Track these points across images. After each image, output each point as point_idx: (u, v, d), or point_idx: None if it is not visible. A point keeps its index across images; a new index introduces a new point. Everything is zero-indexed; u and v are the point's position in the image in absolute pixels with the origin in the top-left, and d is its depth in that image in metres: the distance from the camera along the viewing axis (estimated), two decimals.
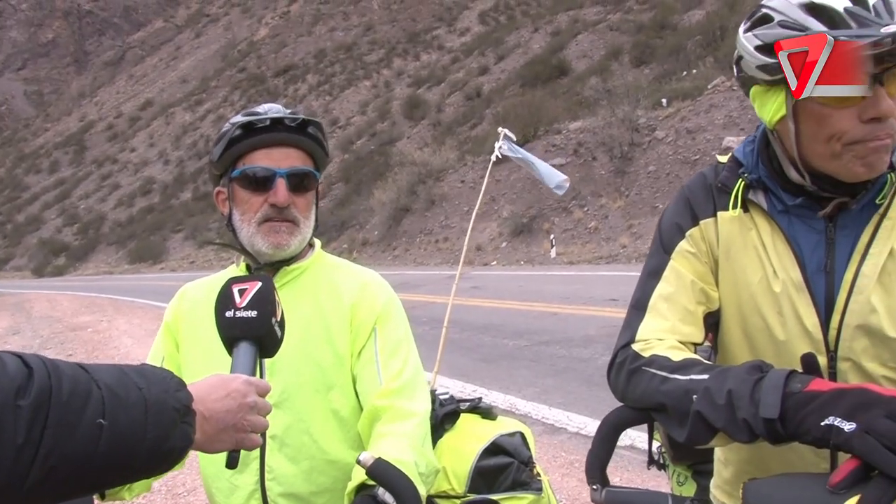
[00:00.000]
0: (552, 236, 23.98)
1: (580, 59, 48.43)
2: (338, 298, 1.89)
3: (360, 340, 1.86)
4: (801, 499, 1.02)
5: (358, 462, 1.42)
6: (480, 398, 2.30)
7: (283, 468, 1.79)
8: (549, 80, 46.15)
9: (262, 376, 1.72)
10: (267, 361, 1.75)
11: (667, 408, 1.26)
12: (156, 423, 1.07)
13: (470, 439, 2.09)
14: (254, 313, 1.41)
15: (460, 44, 76.48)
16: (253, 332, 1.41)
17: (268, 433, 1.76)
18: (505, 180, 28.43)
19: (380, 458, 1.43)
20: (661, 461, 2.37)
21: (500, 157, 6.39)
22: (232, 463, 1.31)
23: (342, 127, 69.20)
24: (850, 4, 1.27)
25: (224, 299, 1.44)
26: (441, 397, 2.20)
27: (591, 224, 24.20)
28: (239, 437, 1.27)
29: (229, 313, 1.42)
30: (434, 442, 2.05)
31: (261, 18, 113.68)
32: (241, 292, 1.44)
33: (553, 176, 6.70)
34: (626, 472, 4.99)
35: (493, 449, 2.06)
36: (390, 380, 1.80)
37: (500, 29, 71.10)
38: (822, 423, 1.01)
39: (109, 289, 32.53)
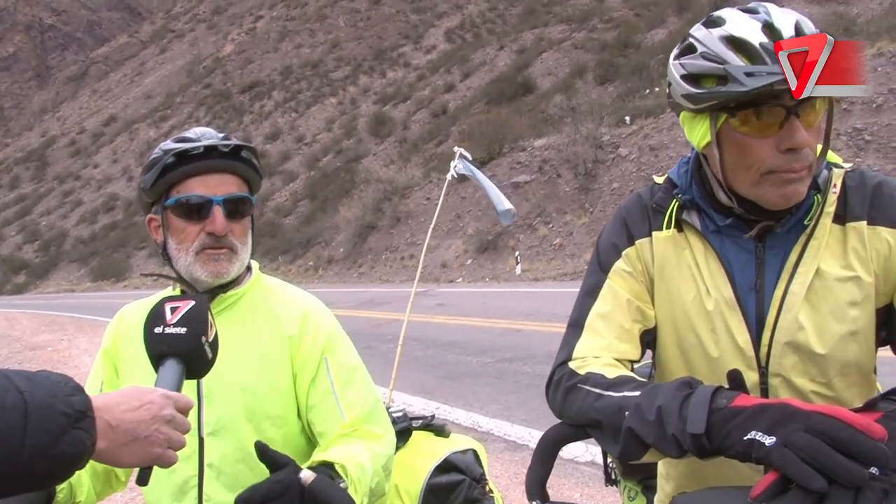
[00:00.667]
0: (517, 253, 24.03)
1: (545, 77, 48.76)
2: (277, 328, 1.87)
3: (307, 372, 1.84)
4: None
5: (299, 480, 1.40)
6: (433, 415, 2.32)
7: (220, 497, 1.77)
8: (515, 97, 46.37)
9: (199, 403, 1.71)
10: (204, 389, 1.74)
11: (601, 424, 1.29)
12: (38, 428, 1.03)
13: (422, 457, 2.10)
14: (183, 330, 1.39)
15: (426, 61, 76.62)
16: (180, 348, 1.38)
17: (206, 462, 1.76)
18: (470, 197, 28.51)
19: (321, 475, 1.42)
20: (614, 476, 2.40)
21: (455, 176, 6.39)
22: (143, 479, 1.27)
23: (308, 144, 68.91)
24: (764, 40, 1.32)
25: (154, 316, 1.42)
26: (394, 415, 2.21)
27: (555, 241, 24.31)
28: (153, 452, 1.22)
29: (158, 329, 1.40)
30: None
31: (227, 34, 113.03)
32: (174, 310, 1.42)
33: (502, 203, 6.66)
34: (586, 487, 5.02)
35: (445, 466, 2.08)
36: (351, 410, 1.80)
37: (465, 47, 71.40)
38: (745, 438, 1.04)
39: (71, 307, 32.01)
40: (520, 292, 18.25)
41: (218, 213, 1.76)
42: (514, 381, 8.49)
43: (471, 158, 6.33)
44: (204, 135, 1.82)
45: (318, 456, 1.66)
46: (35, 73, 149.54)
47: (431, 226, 6.61)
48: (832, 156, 1.50)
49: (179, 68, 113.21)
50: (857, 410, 1.06)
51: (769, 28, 1.33)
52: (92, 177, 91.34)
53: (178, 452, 1.28)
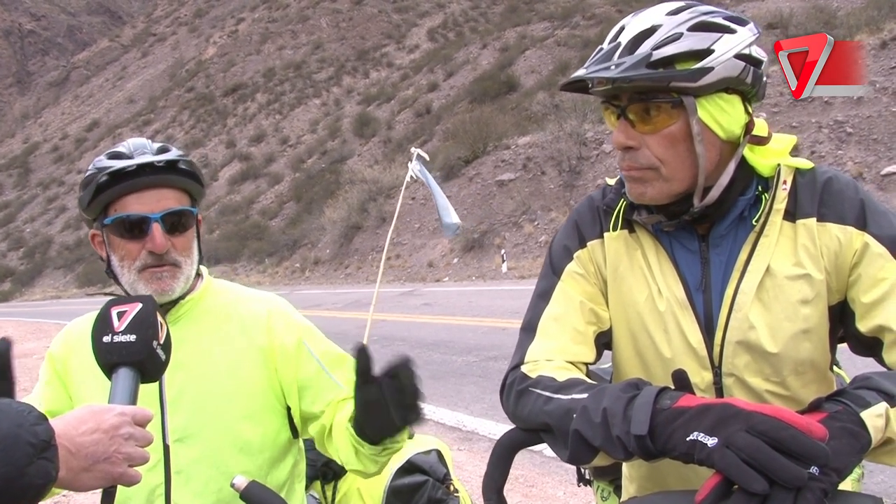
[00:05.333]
0: (503, 251, 24.06)
1: (528, 75, 48.85)
2: (242, 330, 1.87)
3: (290, 366, 1.85)
4: None
5: (232, 485, 1.40)
6: None
7: (189, 503, 1.75)
8: (498, 95, 46.44)
9: (162, 411, 1.69)
10: (168, 396, 1.72)
11: (551, 427, 1.27)
12: (5, 459, 1.01)
13: None
14: (132, 337, 1.35)
15: (409, 61, 76.60)
16: (132, 357, 1.35)
17: (173, 468, 1.75)
18: (455, 196, 28.50)
19: (254, 480, 1.41)
20: (588, 477, 2.39)
21: (413, 177, 6.32)
22: (108, 500, 1.25)
23: (293, 145, 68.79)
24: (605, 44, 1.42)
25: (102, 323, 1.39)
26: None
27: (541, 238, 24.34)
28: (114, 472, 1.20)
29: (106, 338, 1.36)
30: None
31: (209, 37, 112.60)
32: (121, 315, 1.38)
33: (449, 214, 6.55)
34: (570, 485, 5.01)
35: (408, 468, 2.07)
36: (348, 382, 1.80)
37: (448, 46, 71.36)
38: (688, 439, 1.02)
39: (57, 314, 31.82)
40: (506, 290, 18.27)
41: (157, 230, 1.73)
42: (499, 381, 8.38)
43: (427, 160, 6.25)
44: (137, 149, 1.79)
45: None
46: (15, 80, 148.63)
47: (391, 227, 6.57)
48: (797, 161, 1.48)
49: (161, 72, 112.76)
50: (802, 411, 1.05)
51: (619, 30, 1.43)
52: (76, 182, 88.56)
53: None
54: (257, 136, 75.02)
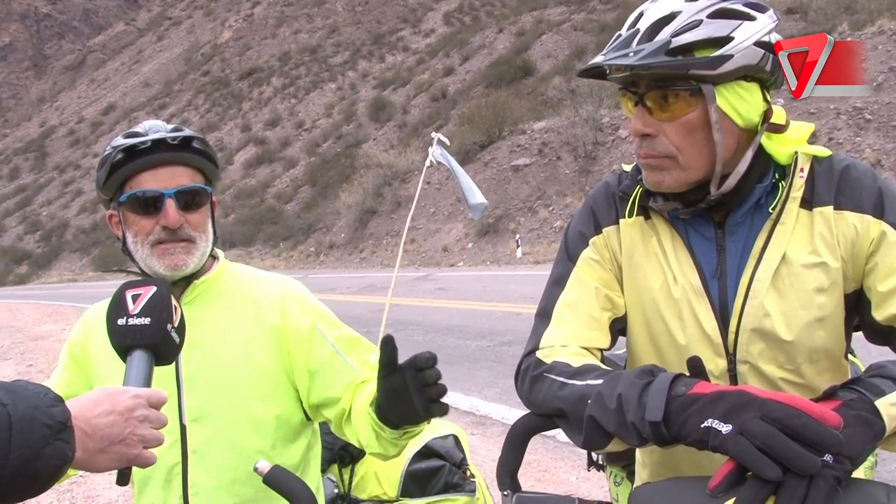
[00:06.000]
0: (518, 236, 24.03)
1: (544, 60, 48.59)
2: (255, 311, 1.89)
3: (303, 349, 1.86)
4: (681, 503, 1.05)
5: (255, 469, 1.41)
6: None
7: (205, 483, 1.78)
8: (514, 80, 46.23)
9: (179, 391, 1.71)
10: (185, 377, 1.74)
11: (566, 413, 1.28)
12: (22, 441, 1.02)
13: None
14: (147, 320, 1.37)
15: (425, 45, 76.33)
16: (146, 339, 1.36)
17: (189, 448, 1.76)
18: (457, 183, 28.45)
19: (277, 465, 1.43)
20: (600, 462, 2.40)
21: (434, 162, 6.31)
22: (123, 480, 1.27)
23: (308, 129, 68.78)
24: (623, 30, 1.41)
25: (116, 306, 1.40)
26: None
27: (556, 223, 24.29)
28: (129, 454, 1.21)
29: (121, 321, 1.37)
30: None
31: (224, 21, 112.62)
32: (135, 298, 1.40)
33: (474, 195, 6.53)
34: (582, 470, 5.03)
35: (425, 452, 2.08)
36: (361, 360, 1.85)
37: (464, 30, 71.08)
38: (702, 426, 1.03)
39: (74, 297, 32.04)
40: (520, 275, 18.25)
41: (170, 206, 1.75)
42: (513, 365, 8.29)
43: (448, 144, 6.24)
44: (152, 128, 1.81)
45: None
46: (32, 63, 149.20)
47: (410, 213, 6.55)
48: (814, 149, 1.47)
49: (177, 56, 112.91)
50: (816, 399, 1.06)
51: (637, 16, 1.42)
52: (92, 166, 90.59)
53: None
54: (272, 120, 75.04)
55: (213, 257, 1.97)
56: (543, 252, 22.46)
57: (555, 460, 5.28)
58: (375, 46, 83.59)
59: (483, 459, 5.28)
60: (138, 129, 1.83)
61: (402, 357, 1.54)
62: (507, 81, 46.12)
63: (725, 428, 1.00)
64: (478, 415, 6.75)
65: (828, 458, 0.96)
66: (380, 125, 57.81)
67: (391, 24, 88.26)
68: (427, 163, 6.26)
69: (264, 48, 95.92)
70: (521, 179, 26.95)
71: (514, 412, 6.63)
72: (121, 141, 1.79)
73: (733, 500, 0.98)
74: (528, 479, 4.97)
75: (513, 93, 40.03)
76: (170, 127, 1.84)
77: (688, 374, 1.15)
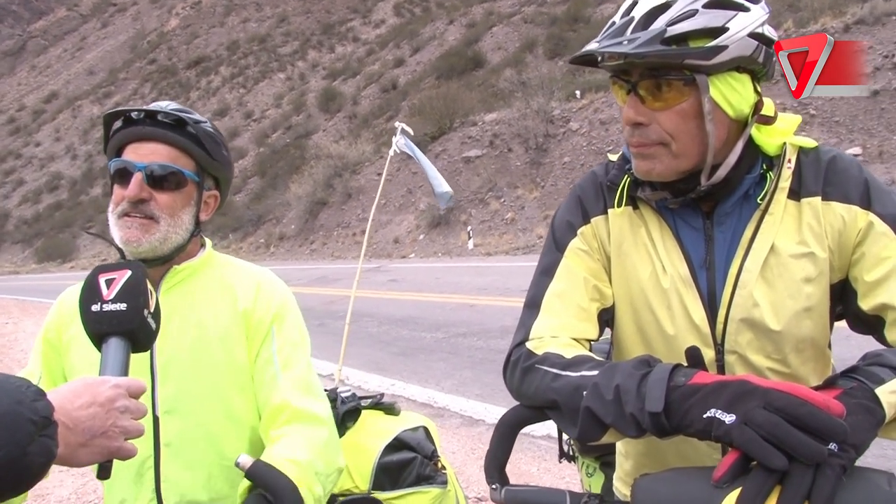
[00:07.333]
0: (469, 228, 24.10)
1: (495, 52, 48.75)
2: (232, 301, 1.84)
3: (256, 342, 1.81)
4: (686, 494, 1.03)
5: (237, 464, 1.38)
6: (382, 394, 2.28)
7: (179, 476, 1.73)
8: (465, 72, 46.35)
9: (152, 381, 1.65)
10: (158, 366, 1.70)
11: (559, 405, 1.25)
12: (8, 438, 0.96)
13: (372, 436, 2.07)
14: (123, 306, 1.31)
15: (375, 36, 76.02)
16: (123, 326, 1.30)
17: (162, 441, 1.72)
18: (422, 173, 28.46)
19: (259, 459, 1.38)
20: (571, 453, 2.39)
21: (397, 151, 6.31)
22: (104, 473, 1.22)
23: (257, 120, 68.15)
24: (617, 17, 1.39)
25: (89, 291, 1.33)
26: (342, 395, 2.17)
27: (507, 215, 24.41)
28: (111, 446, 1.17)
29: (95, 307, 1.31)
30: None
31: (171, 9, 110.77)
32: (109, 283, 1.33)
33: (440, 185, 6.55)
34: (543, 461, 5.04)
35: (396, 444, 2.06)
36: (290, 382, 1.76)
37: (415, 21, 70.93)
38: (705, 416, 1.01)
39: (15, 289, 31.33)
40: (472, 267, 18.32)
41: (136, 178, 1.72)
42: (469, 357, 8.50)
43: (412, 134, 6.23)
44: (161, 105, 1.82)
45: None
46: None
47: (375, 203, 6.54)
48: (801, 140, 1.49)
49: (122, 43, 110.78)
50: (816, 388, 1.05)
51: (632, 4, 1.40)
52: (34, 155, 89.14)
53: None
54: (221, 110, 74.13)
55: (202, 245, 1.94)
56: (495, 243, 22.57)
57: (515, 452, 5.27)
58: (325, 36, 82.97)
59: (443, 451, 5.25)
60: (156, 103, 1.85)
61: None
62: (457, 73, 46.22)
63: (729, 418, 0.98)
64: (435, 407, 6.73)
65: (833, 446, 0.95)
66: (330, 116, 57.50)
67: (341, 14, 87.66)
68: (391, 152, 6.23)
69: (212, 37, 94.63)
70: (472, 171, 27.00)
71: (472, 404, 6.64)
72: (127, 109, 1.80)
73: (739, 490, 0.96)
74: None
75: (464, 84, 40.14)
76: (174, 106, 1.83)
77: (685, 364, 1.14)
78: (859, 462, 0.99)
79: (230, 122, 70.56)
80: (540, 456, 5.12)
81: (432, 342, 9.60)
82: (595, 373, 1.20)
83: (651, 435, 1.10)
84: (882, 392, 1.04)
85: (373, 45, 71.97)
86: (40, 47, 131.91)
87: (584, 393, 1.18)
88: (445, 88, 36.60)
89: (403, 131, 6.27)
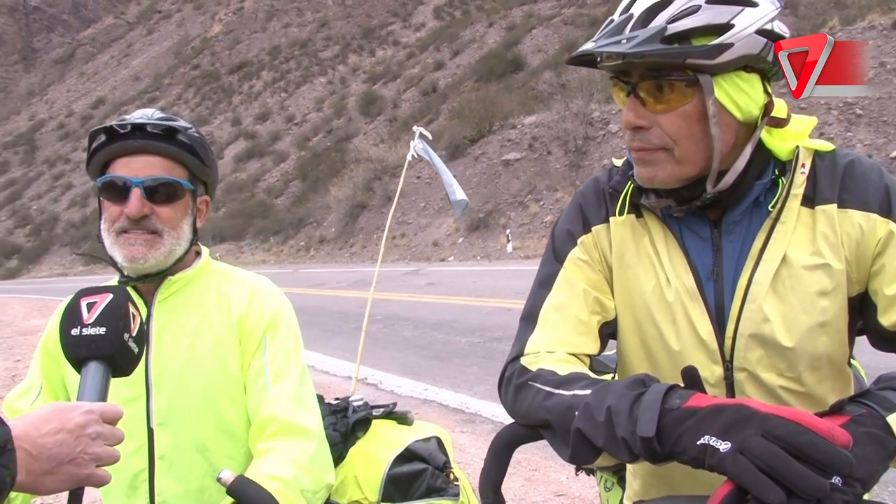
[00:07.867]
0: (508, 231, 24.03)
1: (535, 54, 48.62)
2: (226, 310, 1.82)
3: (249, 351, 1.79)
4: None
5: (218, 479, 1.35)
6: (395, 403, 2.25)
7: (172, 489, 1.72)
8: (504, 74, 46.29)
9: (148, 393, 1.63)
10: (152, 377, 1.68)
11: (551, 424, 1.19)
12: None
13: (382, 446, 2.04)
14: (102, 330, 1.28)
15: (415, 39, 76.30)
16: (101, 350, 1.27)
17: (156, 453, 1.70)
18: (461, 175, 28.43)
19: (241, 475, 1.36)
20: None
21: (416, 156, 6.25)
22: (75, 501, 1.18)
23: (298, 124, 68.74)
24: (616, 15, 1.31)
25: (70, 314, 1.31)
26: (355, 403, 2.15)
27: (546, 218, 24.28)
28: (80, 474, 1.13)
29: (75, 330, 1.28)
30: (346, 450, 2.00)
31: (214, 15, 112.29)
32: (90, 306, 1.31)
33: (456, 192, 6.45)
34: (572, 469, 4.96)
35: (407, 455, 2.02)
36: (280, 394, 1.74)
37: (455, 24, 71.05)
38: (698, 443, 0.94)
39: (63, 291, 31.56)
40: (510, 270, 18.22)
41: (135, 195, 1.69)
42: (503, 362, 8.38)
43: (430, 138, 6.15)
44: (141, 116, 1.77)
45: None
46: (21, 56, 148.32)
47: (392, 208, 6.51)
48: (817, 143, 1.39)
49: (167, 49, 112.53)
50: (822, 414, 0.98)
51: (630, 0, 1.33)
52: (82, 160, 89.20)
53: (128, 445, 1.19)
54: (262, 115, 74.93)
55: (197, 253, 1.91)
56: (533, 247, 22.44)
57: (545, 459, 5.22)
58: (366, 40, 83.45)
59: (472, 458, 5.21)
60: (128, 116, 1.78)
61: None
62: (497, 76, 46.17)
63: (724, 446, 0.91)
64: (467, 412, 6.68)
65: (836, 480, 0.87)
66: (370, 119, 57.79)
67: (381, 17, 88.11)
68: (409, 157, 6.19)
69: (254, 42, 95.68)
70: (511, 174, 26.93)
71: (504, 410, 6.56)
72: (109, 124, 1.75)
73: None
74: (518, 478, 4.91)
75: (503, 87, 40.06)
76: (158, 115, 1.79)
77: (682, 384, 1.06)
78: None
79: (272, 125, 71.30)
80: (569, 465, 5.04)
81: (467, 346, 9.54)
82: (588, 392, 1.14)
83: (643, 460, 1.03)
84: (894, 420, 0.97)
85: (413, 48, 72.22)
86: (88, 54, 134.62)
87: (576, 413, 1.12)
88: (485, 91, 36.59)
89: (422, 136, 6.22)
